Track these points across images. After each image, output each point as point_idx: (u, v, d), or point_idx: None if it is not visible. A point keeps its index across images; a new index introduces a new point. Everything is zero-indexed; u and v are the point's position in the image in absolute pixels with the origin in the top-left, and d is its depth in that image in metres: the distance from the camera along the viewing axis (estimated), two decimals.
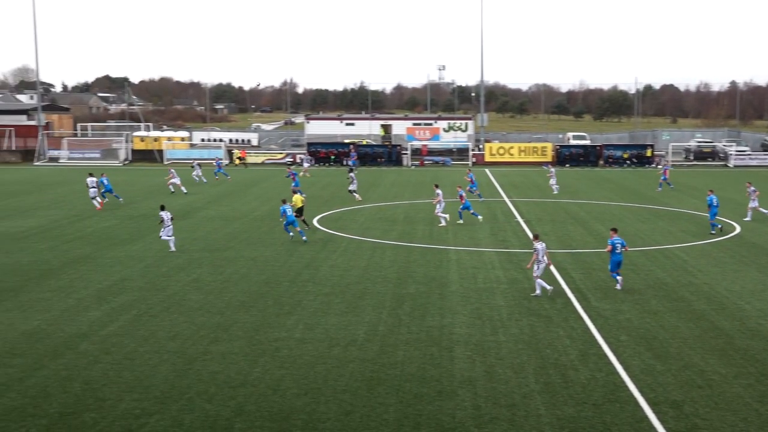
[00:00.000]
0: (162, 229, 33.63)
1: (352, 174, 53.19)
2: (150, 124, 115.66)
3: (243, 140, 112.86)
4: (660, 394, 16.99)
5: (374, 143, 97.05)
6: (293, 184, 53.58)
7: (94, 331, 21.75)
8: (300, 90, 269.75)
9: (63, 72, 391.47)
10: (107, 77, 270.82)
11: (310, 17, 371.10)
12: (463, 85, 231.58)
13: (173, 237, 33.74)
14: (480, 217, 42.07)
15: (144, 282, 27.71)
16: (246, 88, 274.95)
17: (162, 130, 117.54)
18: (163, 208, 34.42)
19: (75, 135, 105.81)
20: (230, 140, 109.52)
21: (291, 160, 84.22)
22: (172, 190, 56.90)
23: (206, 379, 17.84)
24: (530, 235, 37.11)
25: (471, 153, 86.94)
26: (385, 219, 43.22)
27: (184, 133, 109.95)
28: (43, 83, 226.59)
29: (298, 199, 39.44)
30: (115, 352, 19.81)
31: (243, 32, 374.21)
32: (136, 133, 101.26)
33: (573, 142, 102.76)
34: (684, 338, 21.04)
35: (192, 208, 48.27)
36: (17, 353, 19.81)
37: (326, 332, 21.46)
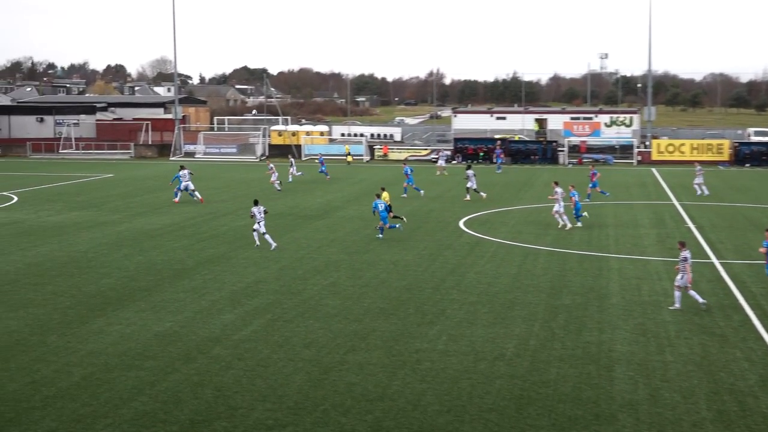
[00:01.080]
0: (255, 224, 35.27)
1: (469, 171, 52.42)
2: (288, 117, 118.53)
3: (385, 135, 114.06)
4: None
5: (527, 139, 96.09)
6: (406, 181, 53.62)
7: (227, 335, 22.42)
8: (447, 81, 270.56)
9: (201, 63, 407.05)
10: (245, 68, 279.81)
11: (458, 2, 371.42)
12: (628, 75, 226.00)
13: (263, 233, 35.16)
14: (579, 223, 40.58)
15: (279, 285, 28.37)
16: (389, 79, 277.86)
17: (300, 124, 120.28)
18: (256, 203, 35.83)
19: (211, 129, 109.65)
20: (372, 135, 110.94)
21: (435, 156, 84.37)
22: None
23: (342, 391, 18.06)
24: (703, 243, 35.80)
25: (636, 150, 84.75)
26: (538, 222, 42.66)
27: (324, 128, 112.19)
28: (180, 75, 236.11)
29: (385, 196, 40.03)
30: (248, 358, 20.35)
31: (387, 20, 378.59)
32: (273, 127, 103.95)
33: (755, 138, 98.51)
34: None
35: (330, 207, 49.13)
36: (149, 356, 20.66)
37: (471, 345, 21.34)
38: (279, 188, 57.41)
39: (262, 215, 35.31)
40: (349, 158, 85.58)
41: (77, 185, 63.26)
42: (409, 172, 54.30)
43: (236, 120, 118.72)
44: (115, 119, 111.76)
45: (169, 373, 19.31)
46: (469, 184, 51.84)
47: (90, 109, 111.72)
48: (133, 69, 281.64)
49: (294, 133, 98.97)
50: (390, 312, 24.66)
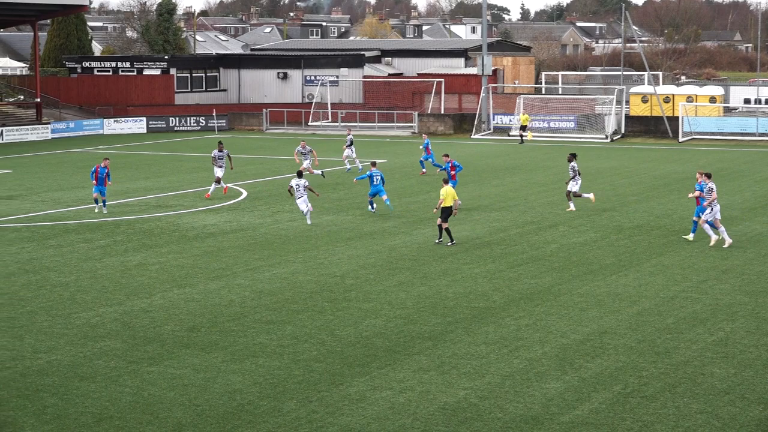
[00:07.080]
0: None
1: None
2: (658, 73, 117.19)
3: None
4: None
5: None
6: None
7: (551, 414, 22.56)
8: None
9: None
10: None
11: None
12: None
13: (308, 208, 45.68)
14: None
15: (636, 339, 28.19)
16: None
17: (678, 84, 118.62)
18: (300, 175, 46.48)
19: (537, 91, 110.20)
20: None
21: None
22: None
23: None
24: None
25: None
26: None
27: (716, 89, 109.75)
28: (491, 7, 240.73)
29: (447, 191, 40.95)
30: None
31: None
32: (634, 89, 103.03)
33: None
34: None
35: (723, 216, 48.03)
36: None
37: None
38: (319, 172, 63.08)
39: (303, 191, 45.53)
40: (529, 134, 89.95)
41: (332, 174, 65.66)
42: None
43: (576, 77, 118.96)
44: (391, 75, 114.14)
45: None
46: None
47: (355, 59, 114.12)
48: None
49: (667, 99, 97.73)
50: None
